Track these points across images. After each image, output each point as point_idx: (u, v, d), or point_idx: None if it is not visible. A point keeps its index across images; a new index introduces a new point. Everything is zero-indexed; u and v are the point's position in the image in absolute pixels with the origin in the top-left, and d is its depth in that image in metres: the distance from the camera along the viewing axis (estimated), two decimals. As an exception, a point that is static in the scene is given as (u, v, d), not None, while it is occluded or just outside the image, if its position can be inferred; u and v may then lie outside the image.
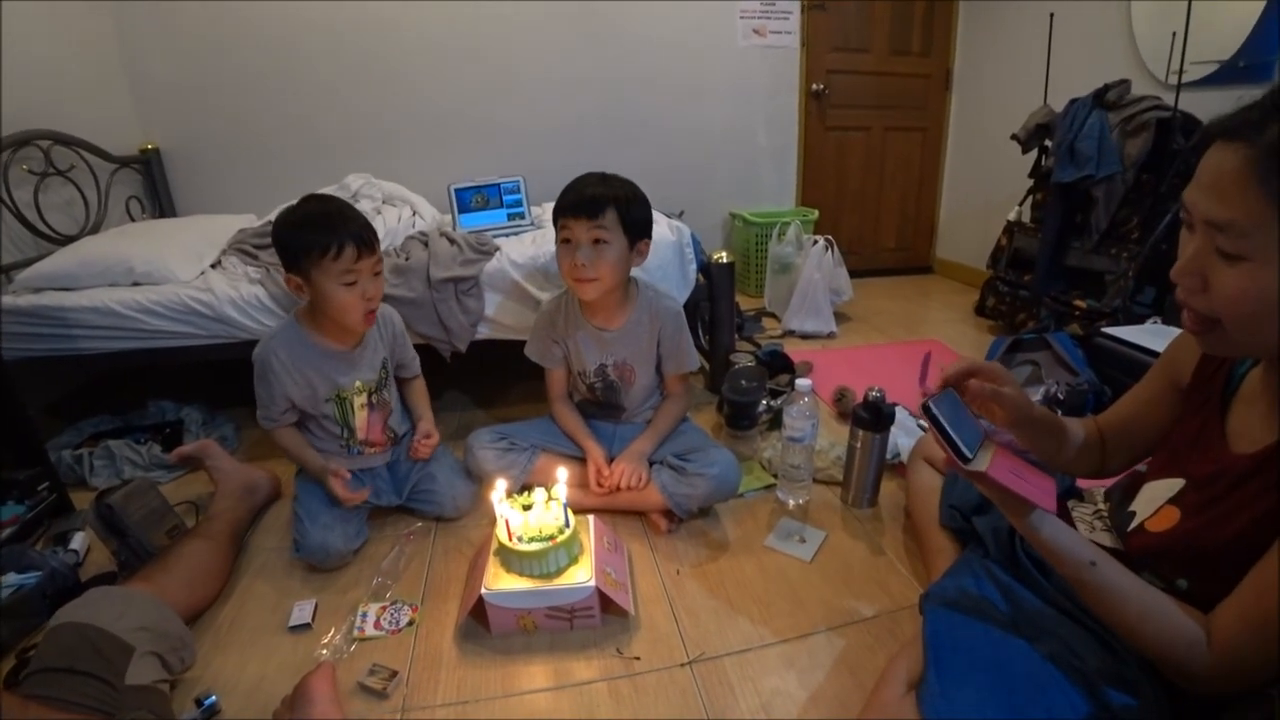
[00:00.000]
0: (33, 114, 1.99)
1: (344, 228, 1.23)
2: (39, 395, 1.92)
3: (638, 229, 1.38)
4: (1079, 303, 2.35)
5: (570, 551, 1.16)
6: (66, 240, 1.99)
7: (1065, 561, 0.77)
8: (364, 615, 1.20)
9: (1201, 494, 0.77)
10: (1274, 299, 0.60)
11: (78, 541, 1.40)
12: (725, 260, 1.96)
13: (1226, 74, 2.16)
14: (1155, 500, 0.83)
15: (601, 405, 1.54)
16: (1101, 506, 1.03)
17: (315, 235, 1.22)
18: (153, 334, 1.70)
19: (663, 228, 1.87)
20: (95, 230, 2.17)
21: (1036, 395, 1.84)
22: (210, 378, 1.95)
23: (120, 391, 2.01)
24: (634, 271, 1.46)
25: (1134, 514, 0.87)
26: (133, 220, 2.40)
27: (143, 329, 1.69)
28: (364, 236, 1.25)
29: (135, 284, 1.74)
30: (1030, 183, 2.69)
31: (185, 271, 1.79)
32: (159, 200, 2.61)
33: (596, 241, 1.33)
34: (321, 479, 1.37)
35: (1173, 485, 0.81)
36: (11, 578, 1.22)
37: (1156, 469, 0.89)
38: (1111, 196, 2.25)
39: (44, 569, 1.24)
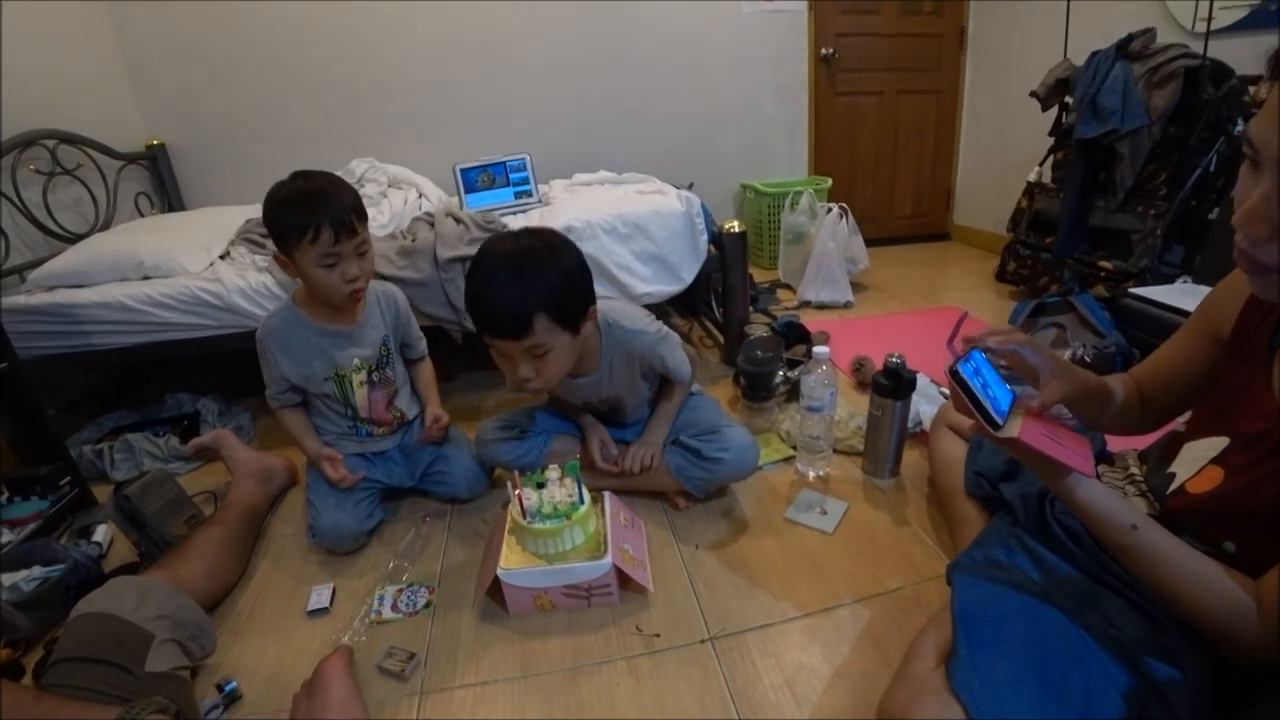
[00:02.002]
0: (38, 114, 2.00)
1: (323, 211, 1.20)
2: (58, 393, 1.94)
3: (577, 315, 1.13)
4: (1104, 263, 2.27)
5: (586, 529, 1.14)
6: (77, 239, 1.99)
7: (1105, 526, 0.73)
8: (381, 598, 1.20)
9: (1249, 452, 0.72)
10: None
11: (100, 534, 1.42)
12: (737, 230, 1.92)
13: (1258, 18, 2.06)
14: (1197, 460, 0.79)
15: (602, 417, 1.48)
16: (1135, 470, 0.99)
17: (293, 217, 1.20)
18: (164, 327, 1.70)
19: (671, 199, 1.83)
20: (105, 227, 2.18)
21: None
22: (225, 369, 1.96)
23: (138, 386, 2.04)
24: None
25: (1173, 475, 0.83)
26: (142, 216, 2.41)
27: (154, 322, 1.69)
28: (344, 219, 1.22)
29: (145, 278, 1.75)
30: (1050, 141, 2.61)
31: (194, 263, 1.79)
32: (167, 195, 2.62)
33: (534, 356, 1.11)
34: (316, 463, 1.38)
35: (1216, 444, 0.77)
36: (37, 571, 1.23)
37: (1197, 427, 0.84)
38: (1137, 151, 2.16)
39: (68, 562, 1.25)
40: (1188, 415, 0.90)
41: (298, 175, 1.26)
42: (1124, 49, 2.21)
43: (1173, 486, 0.82)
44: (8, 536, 1.36)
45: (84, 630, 0.94)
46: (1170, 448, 0.89)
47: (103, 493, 1.56)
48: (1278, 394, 0.71)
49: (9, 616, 1.13)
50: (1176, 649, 0.73)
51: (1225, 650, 0.69)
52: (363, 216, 1.29)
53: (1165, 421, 0.95)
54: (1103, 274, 2.26)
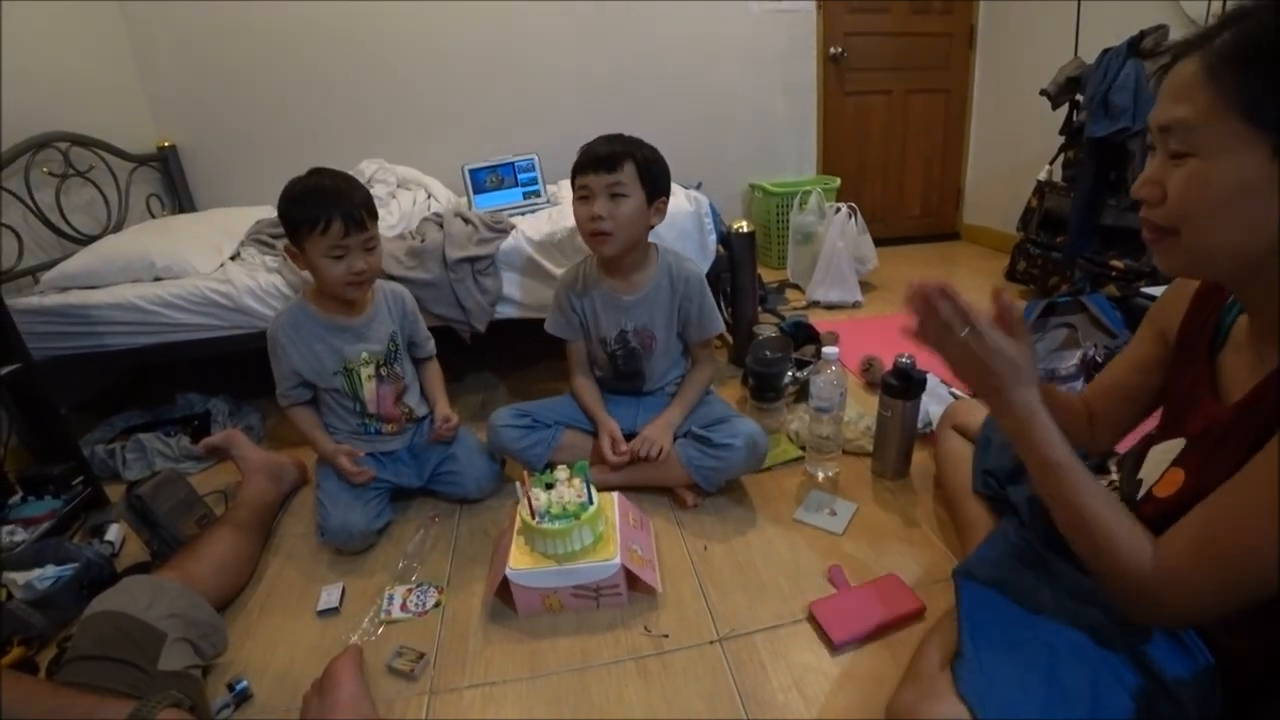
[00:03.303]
0: (50, 116, 2.01)
1: (335, 205, 1.25)
2: (71, 393, 1.96)
3: (656, 185, 1.36)
4: (1115, 262, 2.25)
5: (595, 529, 1.14)
6: (90, 240, 2.01)
7: (1041, 439, 0.73)
8: (391, 598, 1.20)
9: (1199, 451, 0.73)
10: (1220, 195, 0.60)
11: (113, 533, 1.43)
12: (745, 229, 1.91)
13: (1272, 13, 2.03)
14: (1160, 464, 0.79)
15: (623, 376, 1.51)
16: (1114, 477, 0.98)
17: (307, 209, 1.26)
18: (175, 327, 1.71)
19: (680, 198, 1.83)
20: (117, 229, 2.19)
21: (1073, 359, 1.78)
22: (235, 370, 1.97)
23: (149, 387, 2.05)
24: (654, 237, 1.43)
25: (1141, 481, 0.83)
26: (153, 217, 2.42)
27: (165, 323, 1.70)
28: (354, 214, 1.27)
29: (156, 279, 1.76)
30: (1061, 140, 2.58)
31: (204, 264, 1.80)
32: (178, 196, 2.63)
33: (614, 195, 1.31)
34: (331, 460, 1.40)
35: (1175, 446, 0.77)
36: (50, 570, 1.24)
37: (1160, 431, 0.85)
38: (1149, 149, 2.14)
39: (80, 561, 1.27)
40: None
41: (314, 172, 1.31)
42: (1136, 46, 2.19)
43: (1142, 492, 0.81)
44: (21, 535, 1.37)
45: (98, 629, 0.95)
46: (1141, 454, 0.88)
47: (115, 492, 1.57)
48: (1223, 396, 0.73)
49: (23, 615, 1.14)
50: (1186, 650, 0.72)
51: (1119, 596, 0.71)
52: (373, 214, 1.33)
53: (1125, 434, 0.95)
54: (1114, 273, 2.24)
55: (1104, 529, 0.69)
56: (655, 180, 1.35)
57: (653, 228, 1.41)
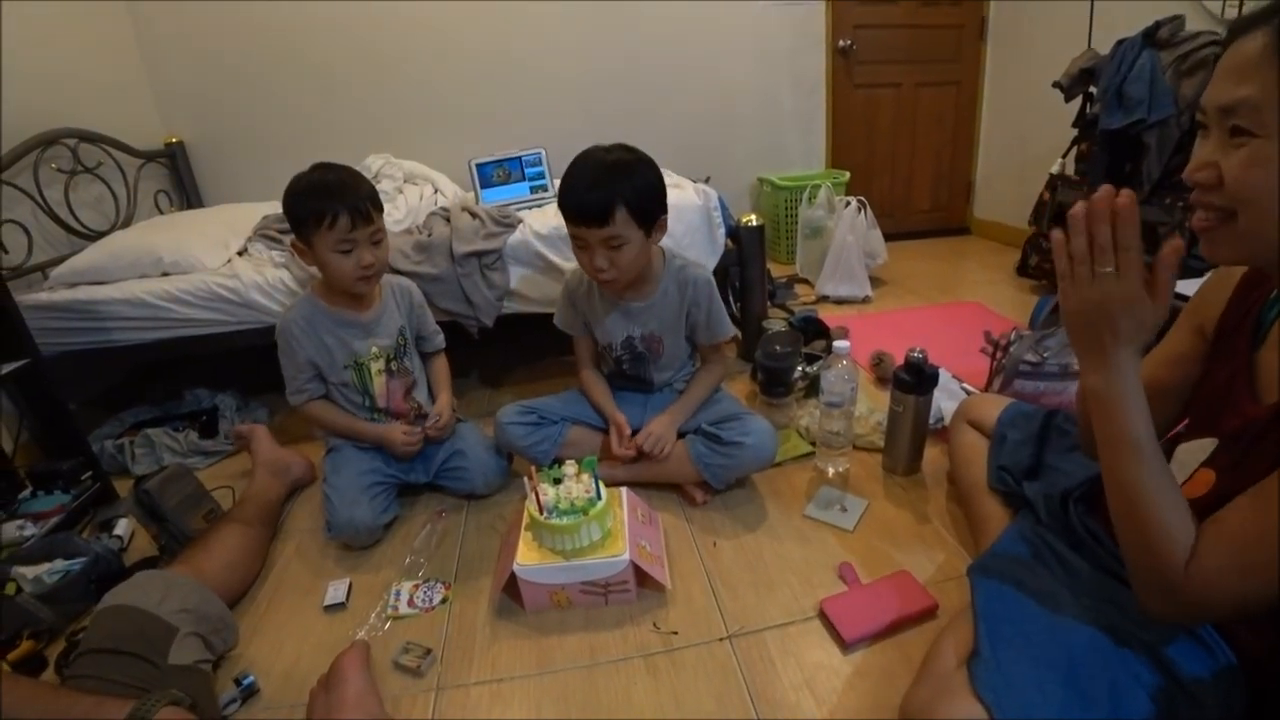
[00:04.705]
0: (58, 113, 2.01)
1: (341, 199, 1.25)
2: (81, 389, 1.96)
3: (652, 215, 1.27)
4: (1130, 256, 2.22)
5: (603, 525, 1.13)
6: (99, 236, 2.01)
7: (1130, 411, 0.66)
8: (397, 593, 1.20)
9: (1231, 452, 0.70)
10: None
11: (122, 528, 1.43)
12: (755, 223, 1.90)
13: (1292, 2, 2.00)
14: (1189, 465, 0.76)
15: (630, 378, 1.50)
16: None
17: (313, 204, 1.25)
18: (183, 323, 1.71)
19: (688, 192, 1.82)
20: (126, 225, 2.20)
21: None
22: (243, 365, 1.97)
23: (158, 383, 2.05)
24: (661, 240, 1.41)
25: None
26: (161, 213, 2.42)
27: (173, 318, 1.70)
28: (361, 208, 1.27)
29: (164, 274, 1.76)
30: (1074, 133, 2.55)
31: (212, 259, 1.80)
32: (185, 192, 2.64)
33: (612, 247, 1.24)
34: (380, 441, 1.42)
35: (1206, 446, 0.74)
36: (59, 564, 1.24)
37: (1189, 430, 0.81)
38: (1165, 142, 2.10)
39: (89, 555, 1.27)
40: None
41: (317, 166, 1.31)
42: (1151, 37, 2.15)
43: None
44: (31, 530, 1.38)
45: (110, 623, 0.96)
46: (1168, 454, 0.86)
47: (124, 487, 1.57)
48: (1261, 396, 0.69)
49: (32, 609, 1.15)
50: (1205, 648, 0.71)
51: (1146, 588, 0.68)
52: (378, 206, 1.33)
53: (1161, 435, 0.90)
54: (1128, 268, 2.21)
55: (1159, 521, 0.65)
56: (650, 211, 1.26)
57: (656, 244, 1.36)
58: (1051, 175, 2.64)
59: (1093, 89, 2.39)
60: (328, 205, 1.24)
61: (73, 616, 1.19)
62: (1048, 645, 0.74)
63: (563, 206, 1.25)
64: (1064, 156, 2.60)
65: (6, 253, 1.73)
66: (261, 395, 2.00)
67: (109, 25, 2.40)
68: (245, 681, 1.02)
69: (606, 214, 1.19)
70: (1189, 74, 2.03)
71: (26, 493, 1.49)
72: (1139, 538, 0.67)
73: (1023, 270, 2.77)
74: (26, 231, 1.82)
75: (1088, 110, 2.47)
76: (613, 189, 1.19)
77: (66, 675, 0.92)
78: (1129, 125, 2.13)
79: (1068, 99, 2.49)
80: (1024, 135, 3.17)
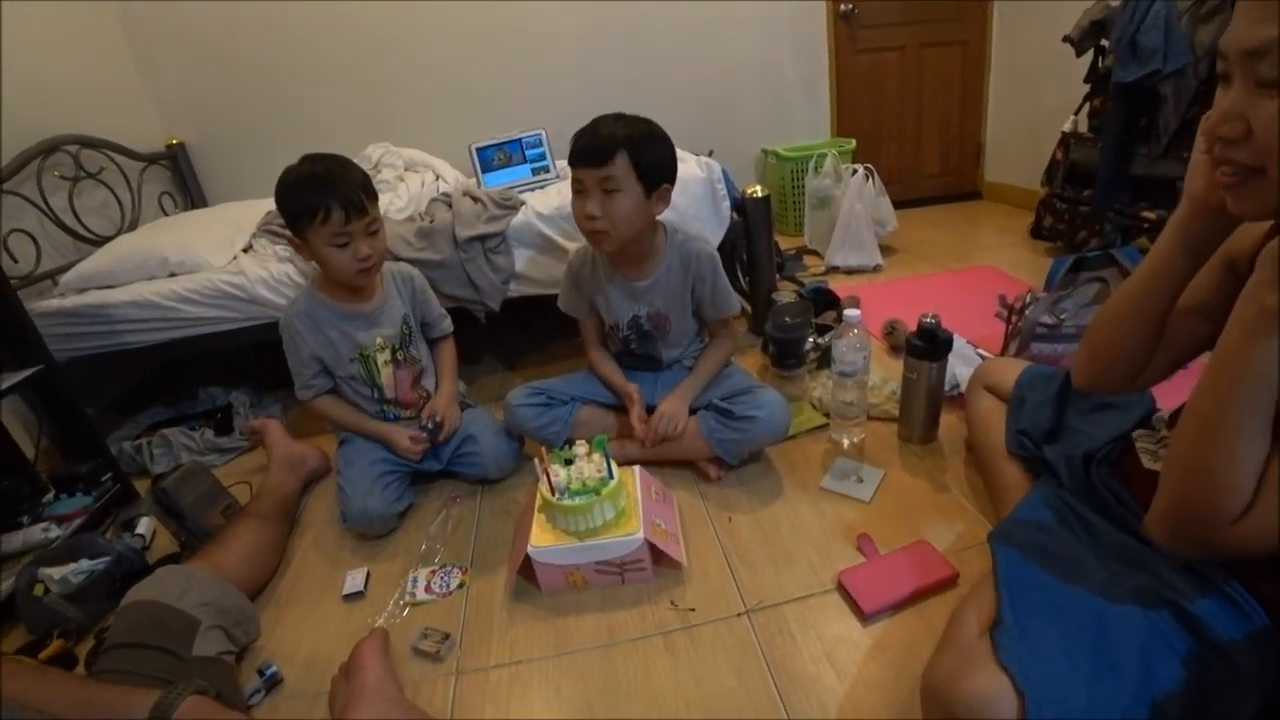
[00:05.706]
0: (58, 121, 2.02)
1: (332, 192, 1.21)
2: (98, 393, 1.98)
3: (654, 174, 1.24)
4: (1148, 214, 2.16)
5: (616, 504, 1.13)
6: (106, 241, 2.01)
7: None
8: (414, 580, 1.20)
9: None
10: None
11: (143, 526, 1.45)
12: (761, 194, 1.86)
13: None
14: None
15: (638, 356, 1.49)
16: (1165, 433, 0.93)
17: (304, 199, 1.22)
18: (192, 322, 1.72)
19: (691, 165, 1.79)
20: (132, 228, 2.20)
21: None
22: (255, 362, 1.98)
23: (173, 383, 2.07)
24: (665, 214, 1.38)
25: None
26: (166, 215, 2.43)
27: (182, 317, 1.71)
28: (353, 199, 1.23)
29: (171, 275, 1.76)
30: (1086, 89, 2.47)
31: (217, 258, 1.80)
32: (189, 192, 2.64)
33: (607, 190, 1.22)
34: (385, 441, 1.41)
35: None
36: (84, 564, 1.26)
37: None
38: (1182, 92, 2.03)
39: (112, 554, 1.29)
40: None
41: (306, 159, 1.27)
42: (1165, -17, 2.07)
43: None
44: (55, 532, 1.39)
45: (133, 618, 0.97)
46: None
47: (144, 487, 1.59)
48: None
49: (60, 609, 1.17)
50: (1239, 606, 0.68)
51: (1180, 521, 0.66)
52: (372, 195, 1.29)
53: (1185, 363, 0.84)
54: (1146, 225, 2.15)
55: (1232, 469, 0.62)
56: (654, 169, 1.24)
57: (656, 215, 1.33)
58: (1064, 133, 2.57)
59: (1104, 42, 2.31)
60: (319, 199, 1.21)
61: (100, 615, 1.21)
62: (1074, 612, 0.72)
63: (570, 154, 1.25)
64: (1076, 114, 2.53)
65: (15, 261, 1.75)
66: (275, 391, 2.01)
67: (100, 30, 2.38)
68: (268, 672, 1.03)
69: (607, 155, 1.20)
70: (1206, 19, 1.96)
71: (50, 496, 1.51)
72: (1208, 480, 0.63)
73: (1036, 232, 2.71)
74: (34, 240, 1.83)
75: (1100, 64, 2.39)
76: (617, 134, 1.21)
77: (94, 670, 0.94)
78: (1144, 77, 2.06)
79: (1079, 53, 2.41)
80: (1034, 93, 3.08)
